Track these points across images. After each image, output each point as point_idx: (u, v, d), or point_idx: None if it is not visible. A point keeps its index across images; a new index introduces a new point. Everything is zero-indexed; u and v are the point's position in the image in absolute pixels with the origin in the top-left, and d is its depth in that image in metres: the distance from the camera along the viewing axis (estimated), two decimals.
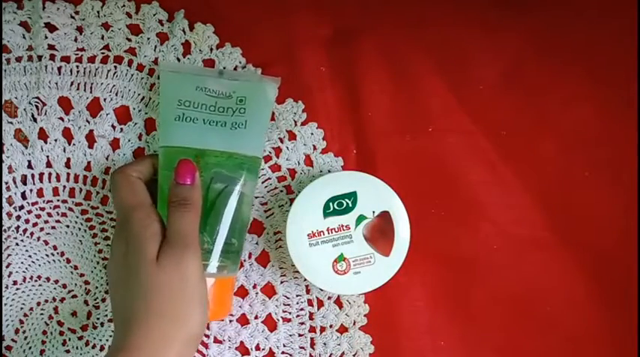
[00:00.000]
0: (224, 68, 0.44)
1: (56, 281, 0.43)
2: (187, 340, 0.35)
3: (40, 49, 0.44)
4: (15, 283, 0.43)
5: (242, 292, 0.44)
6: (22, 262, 0.43)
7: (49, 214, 0.43)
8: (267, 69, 0.45)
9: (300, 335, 0.44)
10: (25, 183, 0.44)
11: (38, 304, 0.43)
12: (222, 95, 0.42)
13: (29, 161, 0.44)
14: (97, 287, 0.43)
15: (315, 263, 0.40)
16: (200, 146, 0.40)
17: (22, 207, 0.43)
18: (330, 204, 0.40)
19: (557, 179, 0.44)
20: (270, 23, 0.45)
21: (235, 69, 0.44)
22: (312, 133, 0.44)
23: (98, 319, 0.43)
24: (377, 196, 0.40)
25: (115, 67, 0.44)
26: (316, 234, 0.40)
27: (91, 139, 0.44)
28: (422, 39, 0.45)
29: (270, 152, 0.44)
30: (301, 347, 0.43)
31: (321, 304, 0.44)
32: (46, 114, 0.44)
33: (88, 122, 0.44)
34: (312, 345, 0.43)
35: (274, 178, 0.44)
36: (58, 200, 0.44)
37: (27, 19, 0.44)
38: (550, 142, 0.44)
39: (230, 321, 0.43)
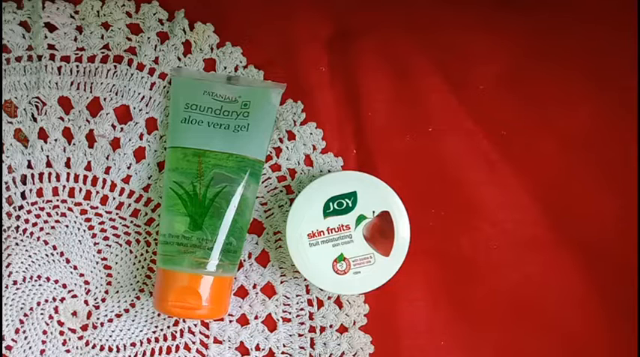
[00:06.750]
0: (233, 74, 0.44)
1: (56, 281, 0.43)
2: None
3: (40, 48, 0.44)
4: (15, 283, 0.43)
5: (242, 292, 0.44)
6: (22, 262, 0.43)
7: (49, 214, 0.43)
8: (268, 69, 0.45)
9: (300, 335, 0.44)
10: (24, 183, 0.43)
11: (38, 304, 0.43)
12: (229, 99, 0.43)
13: (29, 161, 0.44)
14: (96, 287, 0.43)
15: (315, 263, 0.40)
16: (202, 147, 0.41)
17: (21, 207, 0.43)
18: (330, 204, 0.40)
19: (557, 179, 0.44)
20: (271, 23, 0.45)
21: (236, 69, 0.45)
22: (311, 133, 0.44)
23: (98, 319, 0.43)
24: (377, 196, 0.40)
25: (115, 66, 0.44)
26: (316, 234, 0.40)
27: (91, 138, 0.44)
28: (422, 39, 0.45)
29: (270, 152, 0.44)
30: (301, 347, 0.43)
31: (321, 304, 0.44)
32: (46, 114, 0.44)
33: (88, 122, 0.44)
34: (312, 345, 0.43)
35: (274, 178, 0.44)
36: (58, 200, 0.43)
37: (27, 19, 0.44)
38: (550, 142, 0.44)
39: (230, 321, 0.43)
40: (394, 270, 0.40)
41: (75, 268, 0.43)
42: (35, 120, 0.44)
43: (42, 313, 0.43)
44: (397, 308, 0.44)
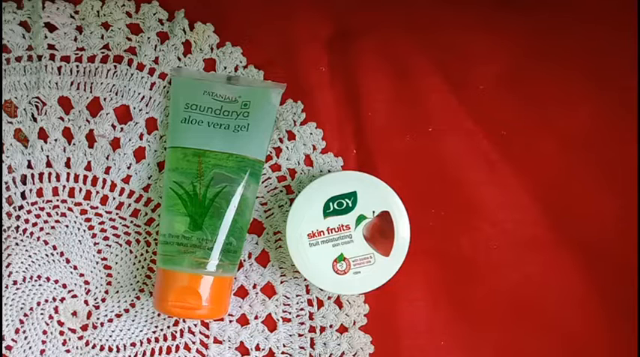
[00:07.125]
0: (233, 74, 0.44)
1: (56, 281, 0.43)
2: None
3: (40, 48, 0.44)
4: (15, 283, 0.43)
5: (242, 292, 0.44)
6: (22, 262, 0.43)
7: (49, 214, 0.43)
8: (268, 69, 0.45)
9: (300, 335, 0.44)
10: (24, 183, 0.43)
11: (38, 304, 0.43)
12: (228, 99, 0.43)
13: (29, 161, 0.44)
14: (96, 287, 0.43)
15: (315, 263, 0.40)
16: (203, 147, 0.41)
17: (21, 207, 0.43)
18: (330, 204, 0.40)
19: (557, 179, 0.44)
20: (271, 23, 0.45)
21: (236, 69, 0.45)
22: (311, 133, 0.44)
23: (98, 319, 0.43)
24: (377, 196, 0.40)
25: (115, 66, 0.44)
26: (316, 234, 0.40)
27: (91, 138, 0.44)
28: (422, 39, 0.45)
29: (270, 152, 0.44)
30: (301, 347, 0.43)
31: (321, 304, 0.44)
32: (46, 114, 0.44)
33: (88, 122, 0.44)
34: (312, 345, 0.43)
35: (274, 178, 0.44)
36: (58, 200, 0.43)
37: (27, 19, 0.44)
38: (550, 142, 0.44)
39: (230, 321, 0.43)
40: (394, 270, 0.40)
41: (75, 268, 0.43)
42: (35, 120, 0.44)
43: (42, 313, 0.43)
44: (397, 308, 0.44)
